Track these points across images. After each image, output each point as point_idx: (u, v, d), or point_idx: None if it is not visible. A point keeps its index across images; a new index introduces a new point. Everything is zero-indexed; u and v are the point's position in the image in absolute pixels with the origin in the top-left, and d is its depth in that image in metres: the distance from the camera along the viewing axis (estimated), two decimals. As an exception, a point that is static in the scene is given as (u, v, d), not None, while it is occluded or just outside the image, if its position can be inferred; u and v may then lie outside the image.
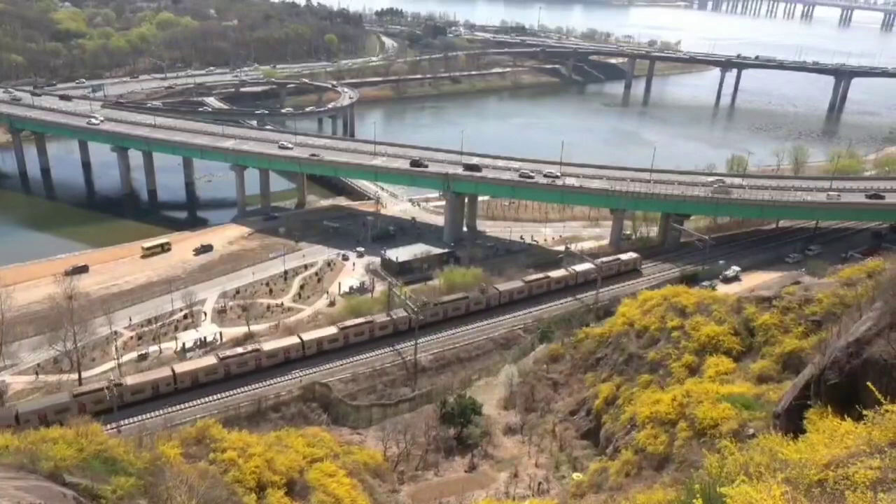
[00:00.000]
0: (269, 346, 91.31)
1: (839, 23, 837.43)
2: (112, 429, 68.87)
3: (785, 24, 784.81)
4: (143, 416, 76.71)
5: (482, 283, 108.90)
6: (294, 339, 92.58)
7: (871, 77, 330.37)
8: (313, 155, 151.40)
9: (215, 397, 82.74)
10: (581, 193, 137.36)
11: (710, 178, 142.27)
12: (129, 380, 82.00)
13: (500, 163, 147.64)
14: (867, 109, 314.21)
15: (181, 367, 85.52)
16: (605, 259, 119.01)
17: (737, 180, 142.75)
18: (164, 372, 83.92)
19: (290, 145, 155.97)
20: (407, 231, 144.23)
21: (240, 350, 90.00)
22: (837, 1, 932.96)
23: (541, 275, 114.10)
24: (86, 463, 28.64)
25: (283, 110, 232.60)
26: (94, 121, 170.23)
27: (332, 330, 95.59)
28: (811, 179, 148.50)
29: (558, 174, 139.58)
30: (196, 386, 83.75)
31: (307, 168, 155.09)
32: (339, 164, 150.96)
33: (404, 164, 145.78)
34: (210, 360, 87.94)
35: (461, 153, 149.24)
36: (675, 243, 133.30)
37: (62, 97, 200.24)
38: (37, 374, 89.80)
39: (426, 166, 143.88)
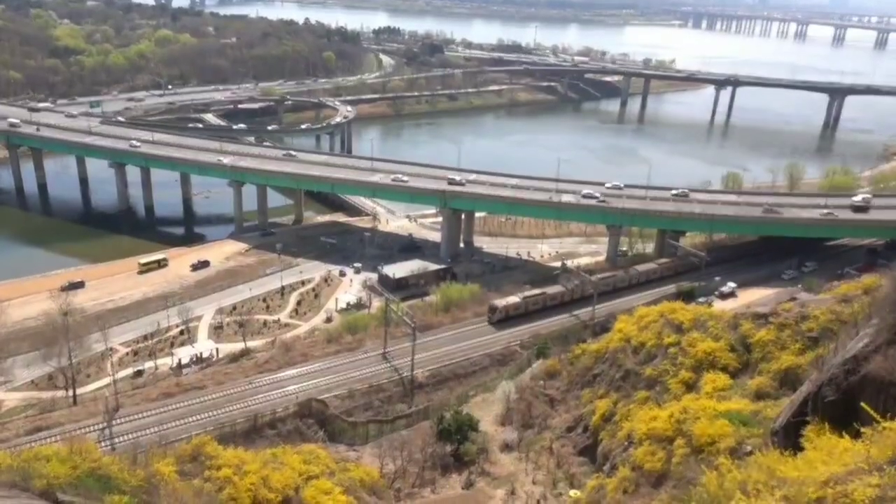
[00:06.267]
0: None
1: (833, 41, 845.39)
2: (106, 446, 68.33)
3: (779, 43, 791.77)
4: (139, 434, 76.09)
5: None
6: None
7: (865, 95, 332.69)
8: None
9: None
10: (577, 210, 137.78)
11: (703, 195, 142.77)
12: None
13: (498, 179, 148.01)
14: (861, 127, 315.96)
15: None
16: None
17: (731, 197, 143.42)
18: None
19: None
20: (407, 247, 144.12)
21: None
22: (831, 20, 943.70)
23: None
24: (79, 481, 28.34)
25: (281, 127, 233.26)
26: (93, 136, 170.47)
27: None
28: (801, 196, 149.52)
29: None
30: None
31: (305, 184, 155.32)
32: (336, 181, 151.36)
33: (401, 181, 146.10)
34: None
35: (459, 170, 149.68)
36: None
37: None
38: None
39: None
